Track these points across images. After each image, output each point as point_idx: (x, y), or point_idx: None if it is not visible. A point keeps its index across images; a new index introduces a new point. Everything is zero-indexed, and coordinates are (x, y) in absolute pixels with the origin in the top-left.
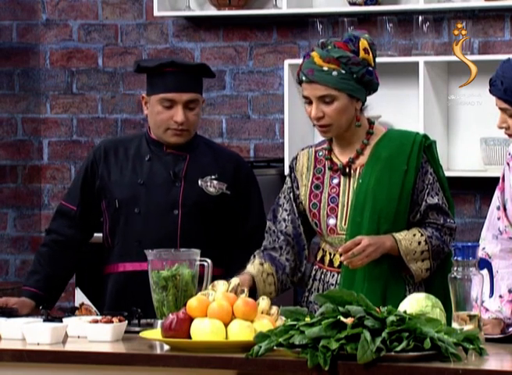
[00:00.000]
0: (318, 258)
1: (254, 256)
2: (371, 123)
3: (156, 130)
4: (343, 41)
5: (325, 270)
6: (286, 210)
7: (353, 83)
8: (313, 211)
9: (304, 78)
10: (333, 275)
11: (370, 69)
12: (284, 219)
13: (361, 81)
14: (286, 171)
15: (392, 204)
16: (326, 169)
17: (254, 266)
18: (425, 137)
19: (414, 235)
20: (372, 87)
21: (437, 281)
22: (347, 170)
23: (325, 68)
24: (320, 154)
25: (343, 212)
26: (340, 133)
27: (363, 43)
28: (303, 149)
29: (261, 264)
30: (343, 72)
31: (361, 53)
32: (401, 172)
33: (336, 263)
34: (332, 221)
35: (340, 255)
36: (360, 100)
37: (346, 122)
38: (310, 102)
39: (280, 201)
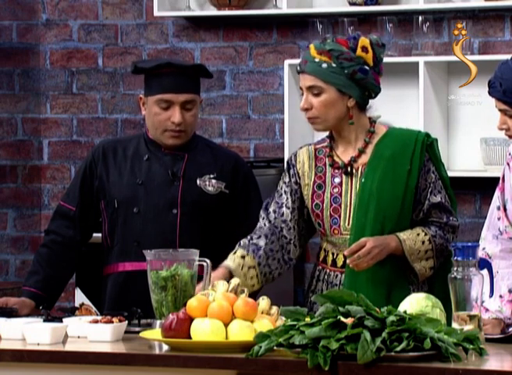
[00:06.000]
0: (320, 259)
1: (239, 244)
2: (372, 121)
3: (154, 131)
4: (346, 37)
5: (328, 271)
6: (277, 203)
7: (342, 79)
8: (316, 211)
9: (298, 68)
10: (337, 275)
11: (365, 67)
12: (274, 211)
13: (352, 78)
14: None
15: (396, 204)
16: (327, 167)
17: (234, 259)
18: (427, 135)
19: (418, 234)
20: (368, 88)
21: (440, 281)
22: (349, 169)
23: (317, 59)
24: (320, 152)
25: (346, 213)
26: (329, 128)
27: (362, 41)
28: (301, 147)
29: (243, 257)
30: (334, 65)
31: (358, 50)
32: (404, 171)
33: (340, 263)
34: (335, 221)
35: (344, 256)
36: (353, 97)
37: (334, 117)
38: (303, 94)
39: (275, 195)
